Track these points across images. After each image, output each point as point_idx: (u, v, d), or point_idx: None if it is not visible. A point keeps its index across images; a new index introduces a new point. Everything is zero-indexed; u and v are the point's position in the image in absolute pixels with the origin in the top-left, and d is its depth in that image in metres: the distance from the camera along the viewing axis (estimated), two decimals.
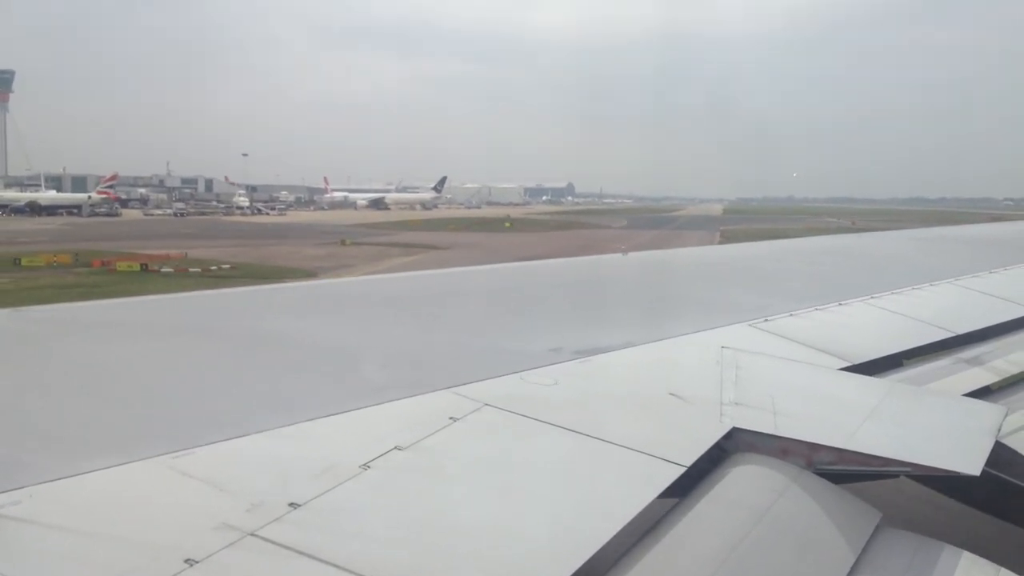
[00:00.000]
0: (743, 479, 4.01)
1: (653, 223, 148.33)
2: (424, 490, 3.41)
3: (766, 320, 7.06)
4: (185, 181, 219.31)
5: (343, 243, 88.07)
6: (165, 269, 58.71)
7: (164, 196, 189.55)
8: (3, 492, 2.89)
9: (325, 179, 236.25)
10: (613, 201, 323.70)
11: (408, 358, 5.58)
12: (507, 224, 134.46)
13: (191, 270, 58.67)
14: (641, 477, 3.71)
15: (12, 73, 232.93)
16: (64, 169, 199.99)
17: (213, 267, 60.16)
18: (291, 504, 3.01)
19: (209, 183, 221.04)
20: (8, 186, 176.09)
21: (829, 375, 5.89)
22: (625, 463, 3.85)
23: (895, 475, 4.41)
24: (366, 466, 3.40)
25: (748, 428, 4.39)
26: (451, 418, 4.07)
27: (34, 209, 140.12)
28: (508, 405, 4.33)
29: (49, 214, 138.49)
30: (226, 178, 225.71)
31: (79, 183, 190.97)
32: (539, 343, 5.84)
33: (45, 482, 3.01)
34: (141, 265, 59.39)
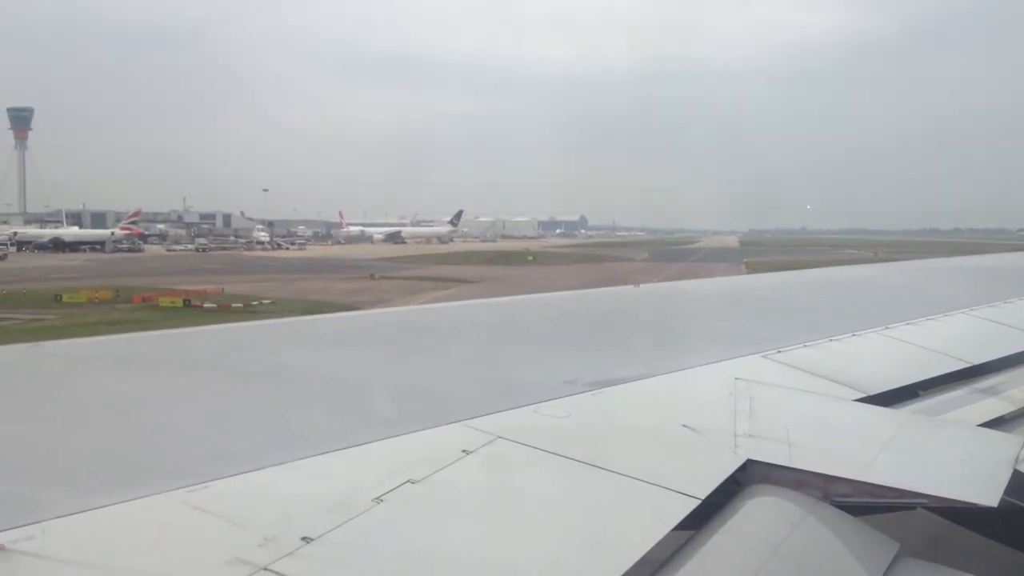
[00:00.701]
0: (758, 511, 3.98)
1: (675, 256, 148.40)
2: (437, 524, 3.39)
3: (779, 351, 6.99)
4: (203, 216, 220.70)
5: (372, 277, 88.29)
6: (208, 304, 58.85)
7: (183, 232, 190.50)
8: (16, 528, 2.85)
9: (340, 213, 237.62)
10: (626, 234, 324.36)
11: (421, 390, 5.56)
12: (530, 258, 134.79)
13: (233, 305, 58.75)
14: (655, 510, 3.69)
15: (31, 111, 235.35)
16: (84, 205, 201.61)
17: (254, 302, 60.32)
18: (304, 538, 2.99)
19: (227, 218, 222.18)
20: (28, 222, 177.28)
21: (844, 406, 5.86)
22: (639, 496, 3.82)
23: (912, 507, 4.36)
24: (379, 499, 3.38)
25: (763, 460, 4.36)
26: (464, 451, 4.04)
27: (57, 245, 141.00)
28: (521, 437, 4.31)
29: (72, 250, 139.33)
30: (242, 213, 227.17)
31: (98, 219, 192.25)
32: (553, 375, 5.82)
33: (58, 517, 2.98)
34: (184, 301, 59.56)
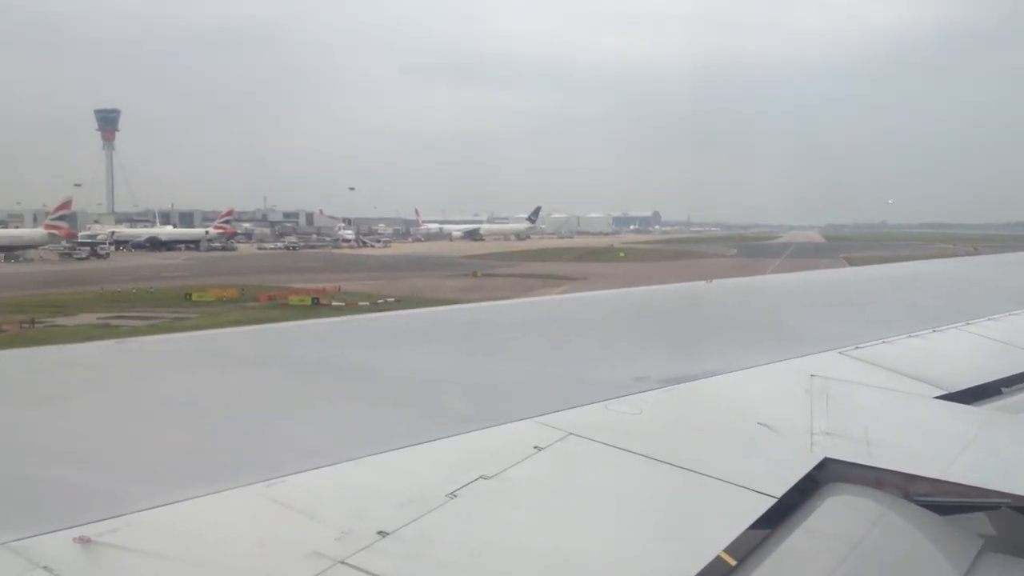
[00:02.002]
0: (836, 509, 3.90)
1: (766, 251, 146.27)
2: (510, 519, 3.42)
3: (857, 348, 6.87)
4: (287, 215, 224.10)
5: (475, 275, 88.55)
6: (336, 303, 59.56)
7: (267, 230, 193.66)
8: (102, 520, 2.92)
9: (417, 211, 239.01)
10: (701, 229, 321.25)
11: (493, 387, 5.59)
12: (621, 254, 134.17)
13: (360, 303, 59.39)
14: (730, 508, 3.65)
15: (118, 112, 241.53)
16: (172, 205, 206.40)
17: (379, 300, 60.86)
18: (379, 532, 3.03)
19: (310, 217, 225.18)
20: (118, 222, 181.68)
21: (924, 404, 5.72)
22: (713, 494, 3.78)
23: (995, 507, 4.23)
24: (452, 495, 3.42)
25: (840, 458, 4.28)
26: (536, 447, 4.04)
27: (154, 244, 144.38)
28: (593, 434, 4.29)
29: (168, 248, 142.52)
30: (321, 211, 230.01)
31: (186, 218, 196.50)
32: (624, 371, 5.80)
33: (142, 510, 3.05)
34: (312, 299, 60.39)
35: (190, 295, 63.03)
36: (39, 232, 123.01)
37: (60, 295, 64.43)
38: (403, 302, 60.88)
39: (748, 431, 4.77)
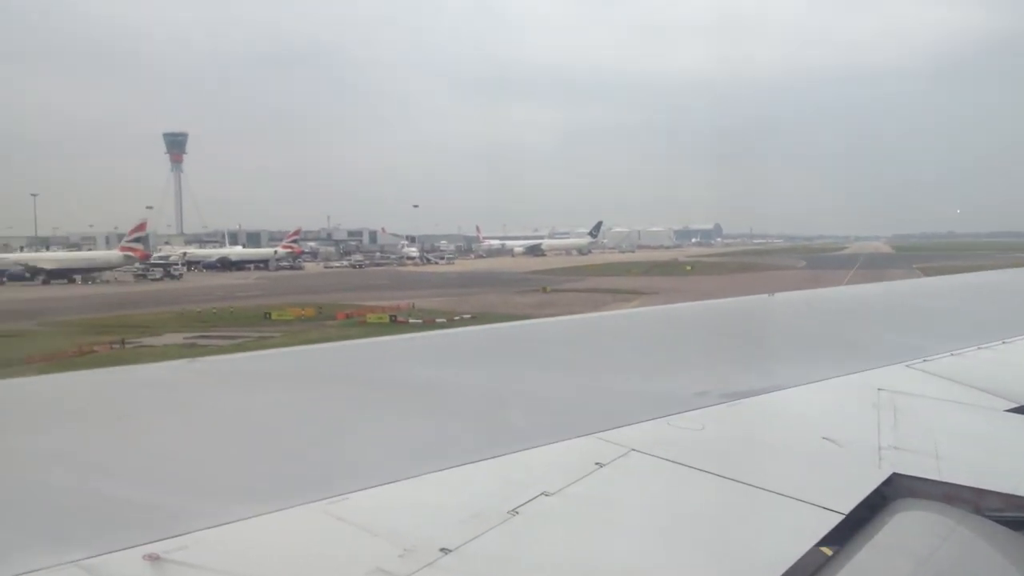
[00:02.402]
0: (906, 525, 3.83)
1: (835, 263, 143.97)
2: (572, 536, 3.39)
3: (925, 360, 6.78)
4: (351, 234, 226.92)
5: (544, 290, 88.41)
6: (413, 320, 59.82)
7: (332, 249, 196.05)
8: (168, 538, 2.95)
9: (477, 227, 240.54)
10: (764, 241, 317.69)
11: (554, 402, 5.57)
12: (688, 268, 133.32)
13: (437, 320, 59.56)
14: (796, 525, 3.59)
15: (185, 135, 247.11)
16: (240, 225, 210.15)
17: (456, 317, 61.01)
18: (442, 549, 3.03)
19: (373, 235, 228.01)
20: (187, 242, 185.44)
21: (995, 417, 5.59)
22: (779, 510, 3.73)
23: None
24: (514, 512, 3.40)
25: (909, 473, 4.21)
26: (597, 463, 4.03)
27: (225, 264, 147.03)
28: (655, 450, 4.27)
29: (238, 268, 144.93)
30: (383, 230, 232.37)
31: (253, 238, 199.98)
32: (685, 387, 5.74)
33: (209, 528, 3.07)
34: (390, 317, 60.76)
35: (269, 314, 63.89)
36: (115, 254, 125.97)
37: (143, 315, 65.73)
38: (478, 319, 60.98)
39: (814, 446, 4.72)
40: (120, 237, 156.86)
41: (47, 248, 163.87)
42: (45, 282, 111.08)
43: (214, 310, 68.55)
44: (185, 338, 53.14)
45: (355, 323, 59.87)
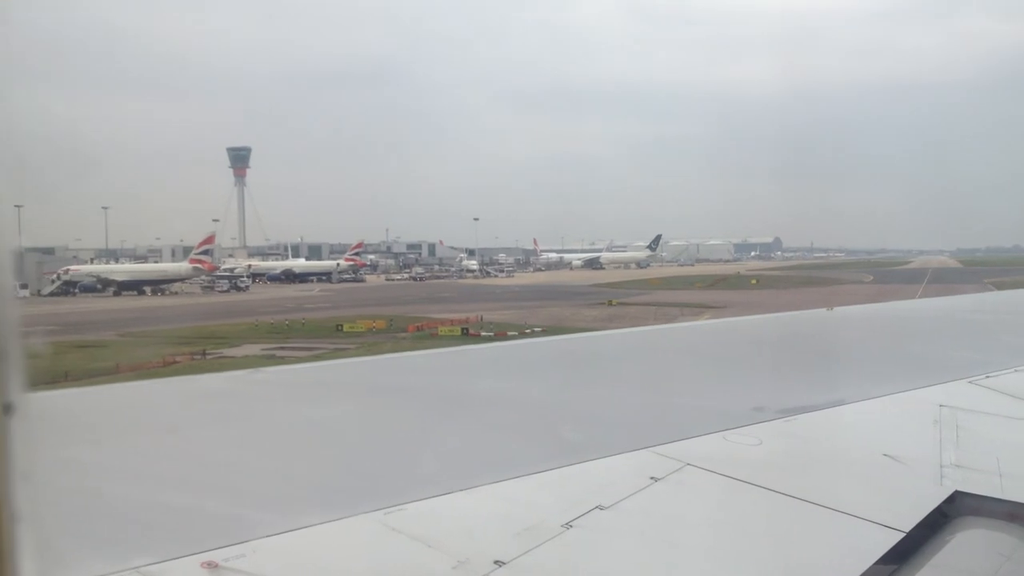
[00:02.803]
0: (968, 544, 3.75)
1: (901, 277, 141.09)
2: (627, 551, 3.35)
3: (988, 376, 6.65)
4: (410, 247, 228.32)
5: (610, 303, 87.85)
6: (485, 333, 59.73)
7: (391, 261, 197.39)
8: (228, 546, 2.99)
9: (535, 241, 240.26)
10: (824, 255, 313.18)
11: (607, 416, 5.56)
12: (753, 281, 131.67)
13: (509, 333, 59.39)
14: (855, 542, 3.53)
15: (249, 150, 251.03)
16: (301, 238, 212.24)
17: (526, 330, 60.80)
18: (496, 562, 3.02)
19: (432, 247, 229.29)
20: (250, 255, 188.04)
21: None
22: (837, 527, 3.67)
23: None
24: (568, 525, 3.39)
25: (972, 491, 4.11)
26: (652, 478, 3.98)
27: (288, 277, 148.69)
28: (711, 465, 4.22)
29: (301, 281, 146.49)
30: (440, 242, 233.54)
31: (315, 251, 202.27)
32: (741, 401, 5.71)
33: (267, 536, 3.11)
34: (462, 329, 60.75)
35: (341, 326, 64.31)
36: (185, 266, 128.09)
37: (217, 327, 66.64)
38: (548, 332, 60.72)
39: (873, 463, 4.65)
40: (185, 250, 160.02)
41: (116, 260, 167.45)
42: (116, 293, 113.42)
43: (286, 322, 69.29)
44: (263, 349, 53.75)
45: (427, 336, 59.95)
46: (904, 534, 3.62)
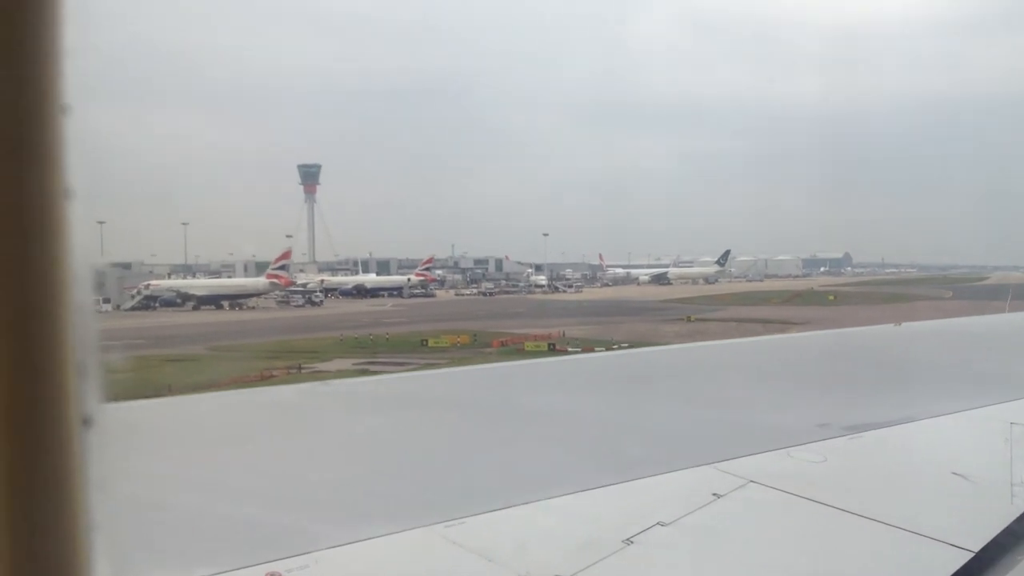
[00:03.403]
0: None
1: (981, 293, 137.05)
2: (687, 568, 3.36)
3: None
4: (477, 262, 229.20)
5: (688, 320, 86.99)
6: (572, 348, 59.42)
7: (459, 276, 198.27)
8: (290, 556, 3.02)
9: (600, 256, 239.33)
10: (895, 271, 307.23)
11: (669, 431, 5.56)
12: (830, 297, 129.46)
13: (596, 349, 59.01)
14: (923, 562, 3.51)
15: (319, 167, 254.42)
16: (371, 254, 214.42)
17: (614, 346, 60.37)
18: None
19: (499, 263, 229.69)
20: (320, 271, 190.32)
21: None
22: (904, 546, 3.62)
23: None
24: (629, 541, 3.36)
25: None
26: (714, 494, 3.93)
27: (360, 292, 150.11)
28: (775, 482, 4.15)
29: (372, 295, 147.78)
30: (507, 257, 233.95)
31: (383, 266, 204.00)
32: (806, 418, 5.65)
33: (329, 548, 3.14)
34: (548, 345, 60.58)
35: (426, 341, 64.60)
36: (262, 281, 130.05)
37: (303, 341, 67.47)
38: (634, 348, 60.20)
39: (942, 481, 4.56)
40: (257, 265, 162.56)
41: (193, 275, 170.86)
42: (195, 308, 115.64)
43: (371, 337, 69.87)
44: (354, 364, 54.21)
45: (513, 351, 59.85)
46: (973, 554, 3.56)
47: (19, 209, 0.88)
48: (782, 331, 73.27)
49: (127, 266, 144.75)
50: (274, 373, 48.73)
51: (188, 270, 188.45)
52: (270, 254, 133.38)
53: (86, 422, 0.92)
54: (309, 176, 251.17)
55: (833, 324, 77.80)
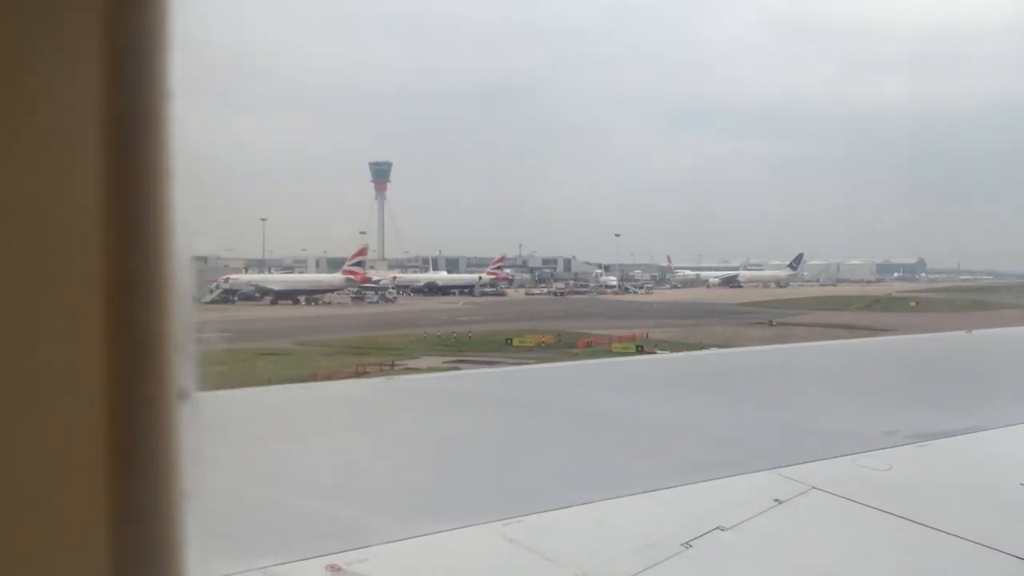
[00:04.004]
0: None
1: None
2: (746, 573, 3.38)
3: None
4: (545, 261, 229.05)
5: (770, 324, 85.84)
6: (660, 350, 58.99)
7: (527, 276, 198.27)
8: (350, 550, 3.07)
9: (668, 258, 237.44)
10: (971, 278, 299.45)
11: (731, 435, 5.48)
12: (912, 304, 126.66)
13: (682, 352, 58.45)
14: (988, 573, 3.48)
15: (390, 164, 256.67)
16: (440, 251, 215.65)
17: (702, 349, 59.69)
18: None
19: (567, 263, 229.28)
20: (390, 268, 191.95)
21: None
22: (969, 557, 3.57)
23: None
24: (688, 544, 3.35)
25: None
26: (776, 500, 3.92)
27: (432, 289, 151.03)
28: (838, 489, 4.14)
29: (443, 293, 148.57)
30: (574, 257, 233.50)
31: (452, 264, 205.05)
32: (872, 425, 5.60)
33: (389, 542, 3.20)
34: (636, 346, 60.23)
35: (511, 340, 64.57)
36: (339, 277, 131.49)
37: (386, 337, 67.94)
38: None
39: (1009, 492, 4.46)
40: (329, 261, 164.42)
41: (268, 271, 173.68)
42: (273, 302, 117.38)
43: (454, 335, 70.13)
44: (444, 362, 54.41)
45: (600, 351, 59.54)
46: None
47: (131, 185, 0.90)
48: (876, 336, 71.85)
49: (204, 260, 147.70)
50: (367, 369, 49.12)
51: (263, 265, 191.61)
52: (341, 251, 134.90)
53: (182, 394, 0.96)
54: (380, 173, 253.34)
55: (920, 331, 75.99)
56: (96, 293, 0.88)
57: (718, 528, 3.58)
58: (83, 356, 0.88)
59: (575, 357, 57.29)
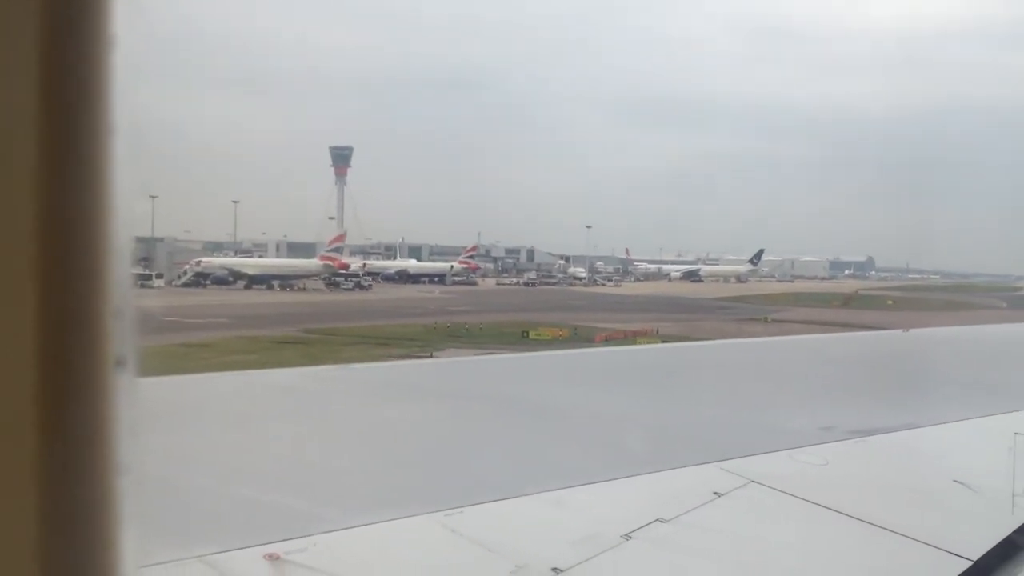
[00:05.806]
0: None
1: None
2: (686, 565, 3.40)
3: None
4: (508, 251, 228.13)
5: (765, 320, 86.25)
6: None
7: (491, 266, 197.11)
8: (290, 539, 3.10)
9: (627, 251, 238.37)
10: (919, 276, 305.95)
11: (672, 429, 5.56)
12: (888, 302, 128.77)
13: None
14: (920, 569, 3.56)
15: (351, 149, 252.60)
16: (403, 239, 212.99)
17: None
18: (554, 569, 3.06)
19: (531, 253, 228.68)
20: (352, 254, 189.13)
21: None
22: (902, 553, 3.65)
23: None
24: (628, 536, 3.40)
25: None
26: (715, 493, 3.98)
27: (402, 277, 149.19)
28: (776, 483, 4.21)
29: (414, 282, 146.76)
30: (535, 248, 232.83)
31: (415, 252, 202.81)
32: (810, 420, 5.66)
33: (328, 532, 3.21)
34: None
35: (527, 333, 63.61)
36: (315, 263, 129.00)
37: (393, 327, 66.28)
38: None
39: (943, 489, 4.51)
40: (289, 245, 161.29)
41: (225, 254, 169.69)
42: (247, 287, 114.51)
43: (465, 326, 68.78)
44: (473, 356, 52.94)
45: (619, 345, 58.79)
46: (972, 563, 3.45)
47: (65, 145, 0.87)
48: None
49: (159, 241, 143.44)
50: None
51: (219, 248, 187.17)
52: (302, 235, 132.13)
53: (119, 363, 0.94)
54: (340, 158, 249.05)
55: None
56: (28, 255, 0.85)
57: (658, 520, 3.57)
58: (14, 320, 0.85)
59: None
